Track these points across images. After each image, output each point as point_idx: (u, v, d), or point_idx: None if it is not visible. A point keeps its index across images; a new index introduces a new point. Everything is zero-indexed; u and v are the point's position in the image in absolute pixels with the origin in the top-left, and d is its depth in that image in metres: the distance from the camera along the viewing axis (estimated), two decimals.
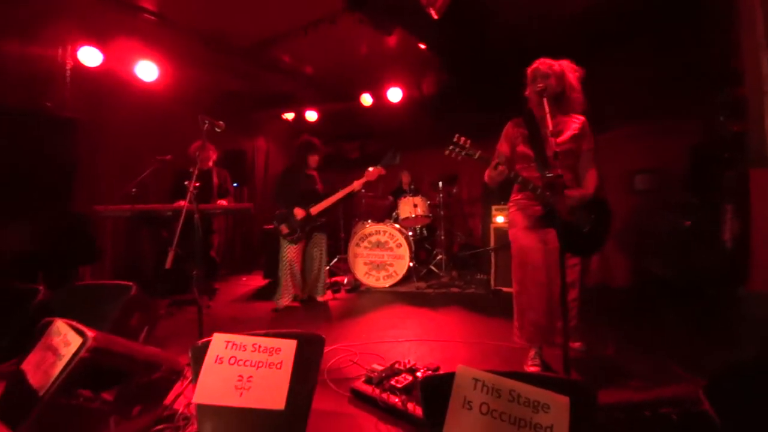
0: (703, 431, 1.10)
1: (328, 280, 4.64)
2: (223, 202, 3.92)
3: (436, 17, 2.65)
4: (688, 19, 3.13)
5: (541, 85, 1.95)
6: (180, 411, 1.63)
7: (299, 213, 3.55)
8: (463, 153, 1.89)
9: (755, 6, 2.01)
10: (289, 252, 3.60)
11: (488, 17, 3.35)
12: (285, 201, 3.61)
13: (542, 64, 2.08)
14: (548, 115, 1.76)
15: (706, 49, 3.09)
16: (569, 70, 2.08)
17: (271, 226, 3.75)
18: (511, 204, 2.26)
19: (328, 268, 5.07)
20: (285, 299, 3.61)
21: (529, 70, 2.13)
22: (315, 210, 3.59)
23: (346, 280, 4.61)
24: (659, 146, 4.06)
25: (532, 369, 2.15)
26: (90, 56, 3.60)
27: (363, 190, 5.20)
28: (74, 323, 1.52)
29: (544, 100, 1.81)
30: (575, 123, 2.11)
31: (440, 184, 5.12)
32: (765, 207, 2.02)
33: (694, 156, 3.40)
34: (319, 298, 3.87)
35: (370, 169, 3.61)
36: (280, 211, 3.62)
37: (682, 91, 3.56)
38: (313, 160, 3.76)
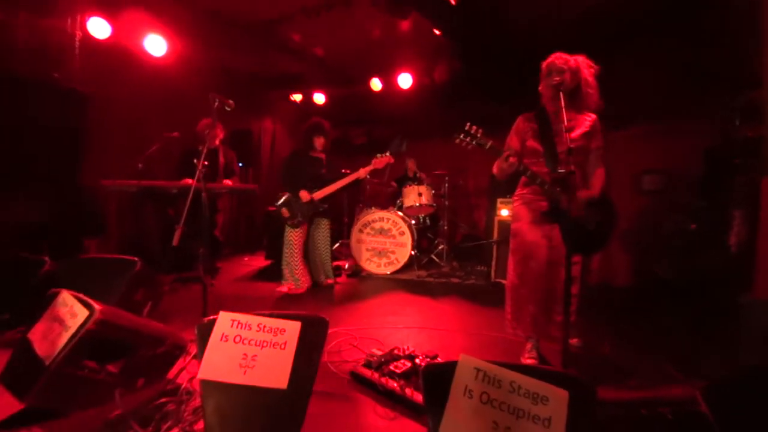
0: (697, 430, 1.11)
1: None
2: (228, 182, 3.93)
3: (453, 3, 2.59)
4: (705, 20, 3.05)
5: (557, 79, 1.92)
6: (183, 385, 1.66)
7: (304, 196, 3.51)
8: (474, 142, 1.87)
9: None
10: (292, 236, 3.58)
11: (505, 7, 3.28)
12: (290, 184, 3.57)
13: (558, 58, 2.04)
14: (564, 110, 1.73)
15: (722, 52, 3.03)
16: (585, 66, 2.04)
17: (274, 208, 3.77)
18: (516, 198, 2.25)
19: (336, 245, 5.12)
20: (285, 285, 3.61)
21: (544, 65, 2.09)
22: (318, 195, 3.54)
23: (347, 265, 4.64)
24: (669, 147, 4.02)
25: (529, 361, 2.17)
26: (99, 28, 3.56)
27: (368, 176, 5.20)
28: (81, 296, 1.54)
29: (560, 94, 1.78)
30: (587, 120, 2.09)
31: (446, 176, 5.09)
32: None
33: (706, 159, 3.36)
34: (324, 282, 3.86)
35: (379, 156, 3.56)
36: (284, 194, 3.57)
37: (695, 93, 3.52)
38: (320, 142, 3.66)
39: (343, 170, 3.73)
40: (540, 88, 2.14)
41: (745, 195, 2.43)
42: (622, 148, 4.06)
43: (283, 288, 3.60)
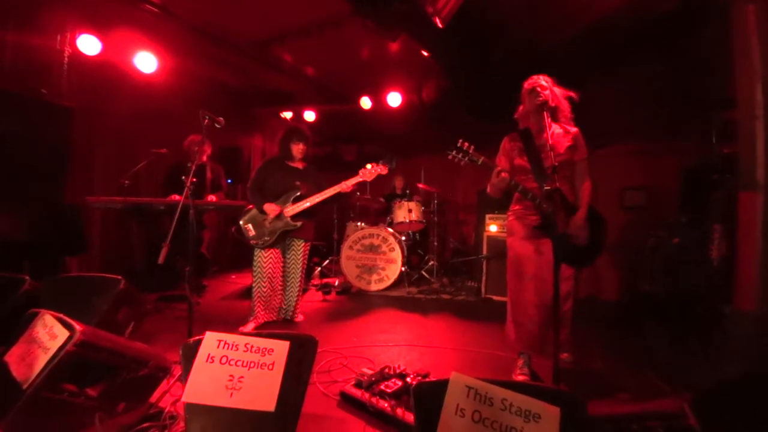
0: None
1: (319, 281, 4.62)
2: (213, 198, 3.87)
3: (440, 26, 2.68)
4: (685, 44, 3.21)
5: (541, 98, 1.99)
6: (166, 409, 1.60)
7: (271, 210, 2.93)
8: (467, 158, 1.91)
9: (751, 33, 2.08)
10: (264, 260, 2.98)
11: (492, 30, 3.40)
12: (257, 197, 3.02)
13: (534, 82, 2.13)
14: (548, 128, 1.79)
15: (701, 73, 3.17)
16: (554, 86, 2.15)
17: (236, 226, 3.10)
18: (510, 213, 2.31)
19: (326, 262, 4.97)
20: (253, 321, 2.98)
21: (526, 85, 2.17)
22: (291, 211, 2.97)
23: (337, 282, 4.60)
24: (650, 165, 4.16)
25: (521, 378, 2.17)
26: (89, 45, 3.56)
27: (358, 193, 5.22)
28: (61, 316, 1.49)
29: (545, 113, 1.84)
30: (569, 133, 2.16)
31: (435, 192, 5.14)
32: (752, 229, 2.08)
33: (685, 176, 3.48)
34: (295, 319, 3.21)
35: (368, 167, 3.05)
36: (250, 208, 3.06)
37: (676, 113, 3.66)
38: (298, 149, 3.11)
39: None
40: (518, 111, 2.23)
41: (723, 210, 2.52)
42: (606, 167, 4.16)
43: (248, 327, 2.90)
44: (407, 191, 5.37)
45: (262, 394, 1.30)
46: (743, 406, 1.18)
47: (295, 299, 3.17)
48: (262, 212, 2.96)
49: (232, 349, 1.36)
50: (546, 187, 1.75)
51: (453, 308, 3.82)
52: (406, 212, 4.64)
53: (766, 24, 2.14)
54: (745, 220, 2.17)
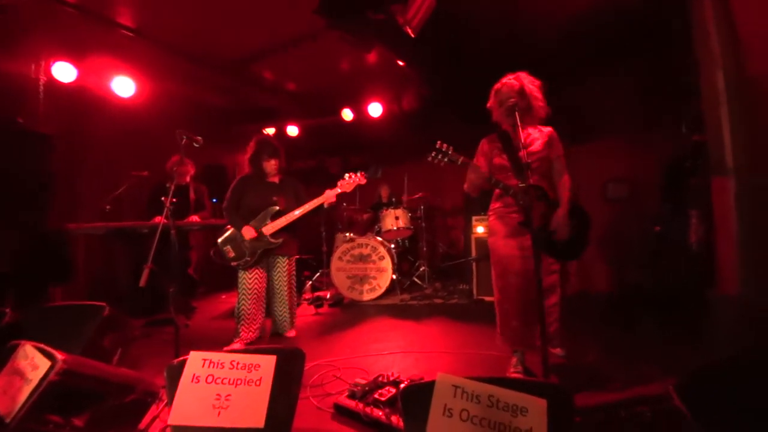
0: (675, 425, 1.14)
1: (310, 295, 4.60)
2: (195, 218, 3.83)
3: (413, 36, 2.74)
4: (658, 40, 3.32)
5: (512, 100, 2.03)
6: None
7: (248, 232, 2.89)
8: (446, 159, 1.94)
9: (708, 24, 2.17)
10: (248, 280, 2.96)
11: (466, 36, 3.48)
12: (234, 217, 2.97)
13: (504, 85, 2.16)
14: (520, 128, 1.83)
15: (674, 65, 3.28)
16: (528, 81, 2.16)
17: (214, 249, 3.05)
18: (490, 213, 2.31)
19: (317, 275, 4.92)
20: (239, 342, 2.92)
21: (494, 89, 2.21)
22: (269, 230, 2.93)
23: (328, 295, 4.57)
24: (633, 157, 4.26)
25: (515, 376, 2.17)
26: (64, 72, 3.54)
27: (345, 204, 5.23)
28: (42, 346, 1.47)
29: (516, 114, 1.89)
30: (543, 132, 2.20)
31: (421, 198, 5.18)
32: (727, 213, 2.14)
33: (664, 165, 3.57)
34: (287, 334, 3.18)
35: (347, 177, 3.03)
36: (228, 229, 3.01)
37: (653, 106, 3.77)
38: (270, 166, 3.04)
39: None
40: (489, 104, 2.26)
41: (698, 196, 2.58)
42: (589, 160, 4.25)
43: (235, 345, 2.90)
44: (393, 199, 5.38)
45: (250, 410, 1.29)
46: (728, 387, 1.21)
47: (287, 315, 3.13)
48: (241, 233, 2.91)
49: (217, 367, 1.35)
50: (520, 184, 1.78)
51: (446, 312, 3.82)
52: (394, 220, 4.66)
53: (723, 14, 2.23)
54: (720, 204, 2.24)
